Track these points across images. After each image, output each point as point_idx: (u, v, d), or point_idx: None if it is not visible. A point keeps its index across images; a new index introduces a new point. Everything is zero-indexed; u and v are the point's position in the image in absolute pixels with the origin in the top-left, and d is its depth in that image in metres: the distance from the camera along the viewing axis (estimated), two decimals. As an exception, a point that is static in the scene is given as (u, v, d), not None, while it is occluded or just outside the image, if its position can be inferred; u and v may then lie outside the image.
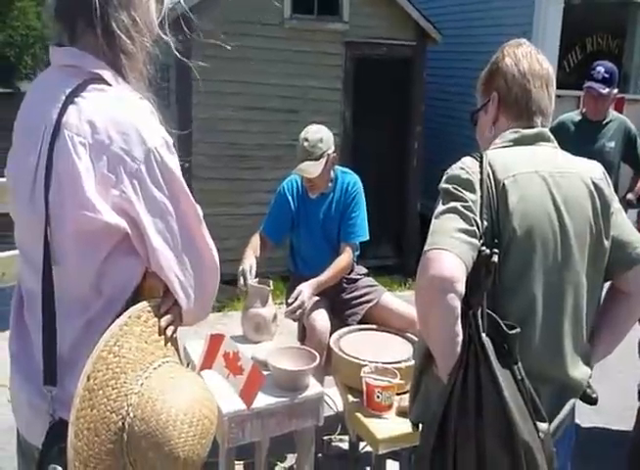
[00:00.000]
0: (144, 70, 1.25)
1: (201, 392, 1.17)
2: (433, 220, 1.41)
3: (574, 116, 4.02)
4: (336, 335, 2.82)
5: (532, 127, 1.55)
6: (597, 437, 3.48)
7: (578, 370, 1.49)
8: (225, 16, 5.49)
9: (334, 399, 3.13)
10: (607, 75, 3.82)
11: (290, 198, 3.14)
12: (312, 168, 2.97)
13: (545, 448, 1.31)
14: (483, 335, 1.32)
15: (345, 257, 3.05)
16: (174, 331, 1.23)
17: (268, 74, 5.87)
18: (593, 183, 1.49)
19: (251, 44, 5.73)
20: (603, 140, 3.93)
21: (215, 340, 1.43)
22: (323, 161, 2.97)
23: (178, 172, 1.18)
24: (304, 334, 3.04)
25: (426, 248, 1.34)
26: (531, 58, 1.56)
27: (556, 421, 1.45)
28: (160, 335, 1.19)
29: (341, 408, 3.00)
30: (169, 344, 1.22)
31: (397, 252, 6.72)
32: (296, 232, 3.20)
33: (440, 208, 1.41)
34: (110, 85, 1.16)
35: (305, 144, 2.97)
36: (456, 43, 7.07)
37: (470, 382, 1.31)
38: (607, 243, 1.50)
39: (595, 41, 7.22)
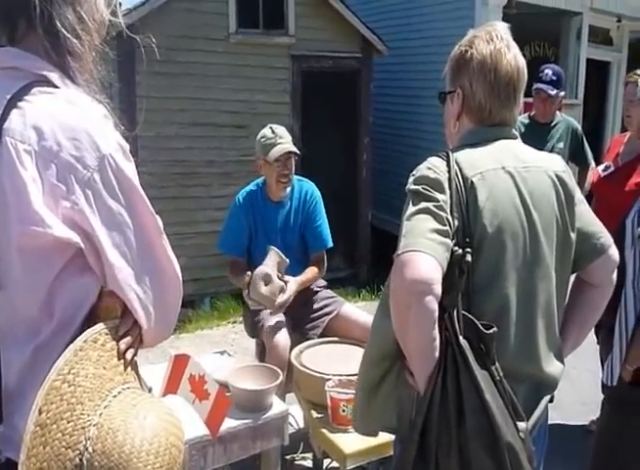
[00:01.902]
0: (95, 71, 1.15)
1: (167, 418, 1.07)
2: (404, 222, 1.36)
3: (523, 119, 4.10)
4: (296, 350, 2.75)
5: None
6: (557, 433, 3.52)
7: (553, 366, 1.49)
8: (170, 31, 5.39)
9: (295, 416, 3.05)
10: (554, 78, 3.94)
11: (245, 209, 3.06)
12: (291, 146, 2.95)
13: (526, 448, 1.30)
14: (461, 337, 1.29)
15: (321, 265, 3.05)
16: (134, 354, 1.13)
17: (215, 90, 5.79)
18: (557, 176, 1.49)
19: (196, 59, 5.65)
20: (552, 141, 4.03)
21: (180, 361, 1.32)
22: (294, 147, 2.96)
23: (136, 180, 1.08)
24: (263, 351, 2.96)
25: (399, 250, 1.30)
26: (501, 58, 1.47)
27: (532, 419, 1.43)
28: (119, 359, 1.09)
29: (302, 425, 2.93)
30: (129, 368, 1.12)
31: (349, 263, 6.70)
32: (254, 241, 3.10)
33: (411, 209, 1.36)
34: (57, 88, 1.07)
35: (275, 131, 2.96)
36: (401, 55, 7.13)
37: (449, 386, 1.28)
38: (573, 235, 1.50)
39: (533, 49, 7.42)
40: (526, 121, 4.08)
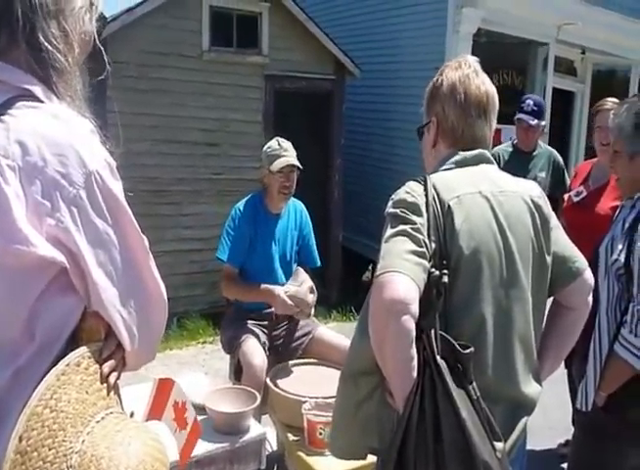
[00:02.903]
0: (79, 86, 1.12)
1: (152, 444, 1.03)
2: (382, 244, 1.38)
3: (507, 147, 4.19)
4: (273, 371, 2.72)
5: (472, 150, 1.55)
6: (527, 457, 3.54)
7: (530, 387, 1.50)
8: (143, 47, 5.35)
9: (269, 438, 3.00)
10: (535, 108, 4.04)
11: (247, 218, 3.05)
12: (295, 160, 3.01)
13: (502, 468, 1.29)
14: (438, 357, 1.31)
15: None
16: (118, 377, 1.09)
17: (187, 107, 5.76)
18: (532, 201, 1.52)
19: (169, 76, 5.62)
20: (535, 170, 4.11)
21: (164, 386, 1.27)
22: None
23: (122, 199, 1.05)
24: (238, 370, 2.91)
25: (377, 272, 1.32)
26: (469, 83, 1.54)
27: (510, 440, 1.44)
28: (102, 383, 1.05)
29: (276, 447, 2.88)
30: (112, 392, 1.07)
31: (320, 284, 6.64)
32: (251, 251, 3.07)
33: (390, 231, 1.39)
34: (42, 102, 1.03)
35: (281, 144, 3.02)
36: (374, 78, 7.22)
37: (427, 406, 1.28)
38: (549, 259, 1.53)
39: (501, 77, 7.57)
40: (510, 149, 4.16)
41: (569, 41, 7.69)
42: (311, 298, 2.89)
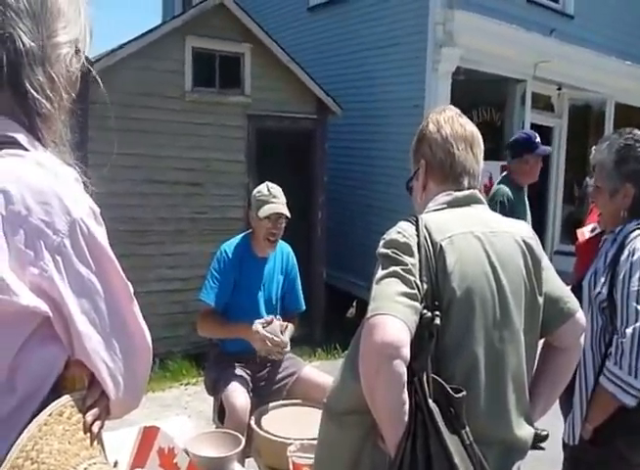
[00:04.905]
0: (64, 132, 1.12)
1: (136, 496, 1.01)
2: (373, 286, 1.38)
3: (505, 188, 4.16)
4: (257, 413, 2.68)
5: (461, 189, 1.57)
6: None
7: (523, 430, 1.48)
8: (125, 87, 5.39)
9: (253, 482, 2.94)
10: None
11: (233, 261, 3.03)
12: (283, 208, 3.00)
13: None
14: (430, 401, 1.29)
15: (295, 325, 3.08)
16: (101, 426, 1.07)
17: (169, 147, 5.79)
18: (524, 242, 1.53)
19: (151, 116, 5.67)
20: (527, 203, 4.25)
21: (149, 433, 1.25)
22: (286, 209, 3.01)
23: (107, 245, 1.04)
24: (221, 411, 2.87)
25: (368, 314, 1.31)
26: (453, 122, 1.60)
27: None
28: (85, 433, 1.02)
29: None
30: (95, 442, 1.05)
31: (304, 322, 6.61)
32: (235, 294, 3.05)
33: (381, 273, 1.38)
34: (27, 150, 1.03)
35: (270, 190, 3.01)
36: (355, 116, 7.32)
37: (419, 451, 1.27)
38: (540, 299, 1.53)
39: (480, 113, 7.72)
40: (509, 189, 4.14)
41: (545, 78, 7.88)
42: (287, 334, 2.90)
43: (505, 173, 4.43)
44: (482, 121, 7.48)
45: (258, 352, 2.91)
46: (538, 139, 4.22)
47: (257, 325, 2.83)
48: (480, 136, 1.64)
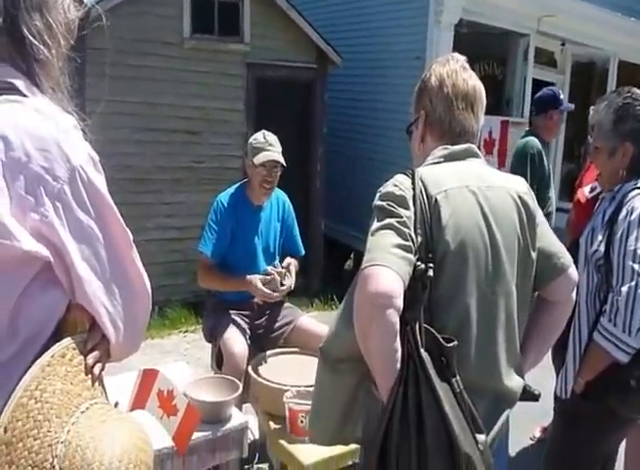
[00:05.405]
0: (62, 78, 1.11)
1: (136, 434, 1.05)
2: (369, 238, 1.39)
3: (535, 141, 4.08)
4: (254, 361, 2.73)
5: (459, 144, 1.57)
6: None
7: (512, 381, 1.51)
8: (121, 34, 5.28)
9: (251, 427, 3.02)
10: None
11: (229, 211, 3.03)
12: (278, 156, 2.98)
13: (485, 460, 1.32)
14: (422, 350, 1.32)
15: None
16: (102, 369, 1.10)
17: (167, 95, 5.70)
18: (519, 197, 1.54)
19: (149, 63, 5.56)
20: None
21: (148, 376, 1.29)
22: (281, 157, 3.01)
23: (106, 193, 1.06)
24: (219, 358, 2.93)
25: (363, 265, 1.33)
26: (456, 76, 1.57)
27: (492, 432, 1.46)
28: (86, 374, 1.06)
29: (257, 436, 2.91)
30: (97, 383, 1.09)
31: (302, 273, 6.66)
32: (232, 246, 3.06)
33: (376, 225, 1.40)
34: (25, 96, 1.03)
35: (266, 138, 3.00)
36: (356, 67, 7.21)
37: (410, 398, 1.30)
38: (534, 254, 1.54)
39: (482, 67, 7.60)
40: (538, 143, 4.07)
41: (549, 33, 7.73)
42: (287, 281, 2.94)
43: (529, 129, 4.40)
44: (484, 75, 7.37)
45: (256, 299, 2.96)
46: (562, 95, 4.23)
47: (257, 281, 2.85)
48: (482, 91, 1.61)
